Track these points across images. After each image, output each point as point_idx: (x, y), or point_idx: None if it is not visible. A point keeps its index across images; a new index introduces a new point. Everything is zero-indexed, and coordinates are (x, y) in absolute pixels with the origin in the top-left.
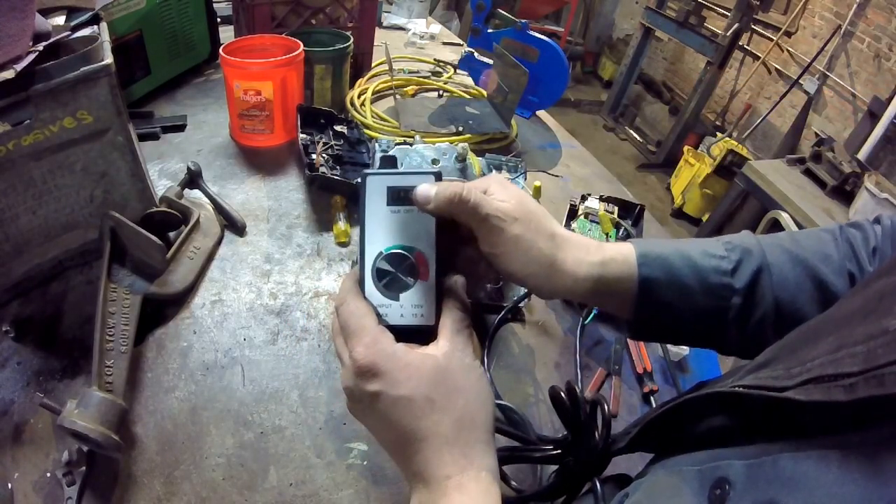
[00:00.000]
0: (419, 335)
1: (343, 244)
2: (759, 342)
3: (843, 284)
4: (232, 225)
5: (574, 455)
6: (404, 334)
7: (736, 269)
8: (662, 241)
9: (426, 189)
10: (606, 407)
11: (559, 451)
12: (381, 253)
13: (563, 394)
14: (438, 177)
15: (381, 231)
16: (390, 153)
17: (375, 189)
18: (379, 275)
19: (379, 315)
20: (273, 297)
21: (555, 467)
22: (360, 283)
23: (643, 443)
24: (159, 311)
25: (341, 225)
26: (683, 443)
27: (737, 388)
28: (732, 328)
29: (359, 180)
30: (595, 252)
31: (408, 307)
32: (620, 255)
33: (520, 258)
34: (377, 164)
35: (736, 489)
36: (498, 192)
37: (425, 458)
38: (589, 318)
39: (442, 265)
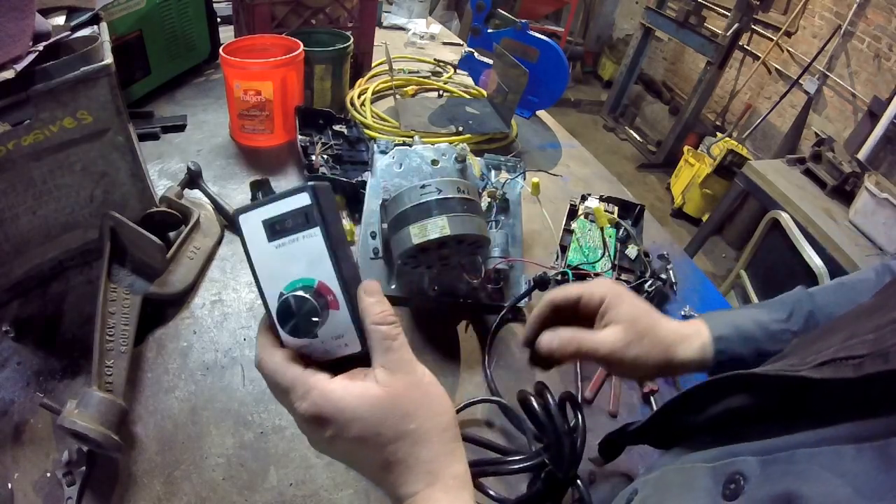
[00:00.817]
0: (356, 360)
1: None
2: None
3: None
4: (232, 225)
5: (552, 461)
6: (339, 364)
7: (790, 315)
8: (729, 311)
9: (548, 343)
10: (579, 409)
11: (536, 460)
12: (281, 295)
13: (532, 398)
14: (312, 191)
15: (273, 272)
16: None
17: (251, 228)
18: (286, 321)
19: (303, 356)
20: None
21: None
22: (273, 330)
23: (658, 428)
24: (159, 311)
25: (345, 224)
26: (699, 427)
27: (756, 371)
28: None
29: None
30: (694, 337)
31: (329, 341)
32: (702, 331)
33: (638, 372)
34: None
35: (751, 482)
36: (610, 312)
37: (392, 482)
38: None
39: (347, 284)
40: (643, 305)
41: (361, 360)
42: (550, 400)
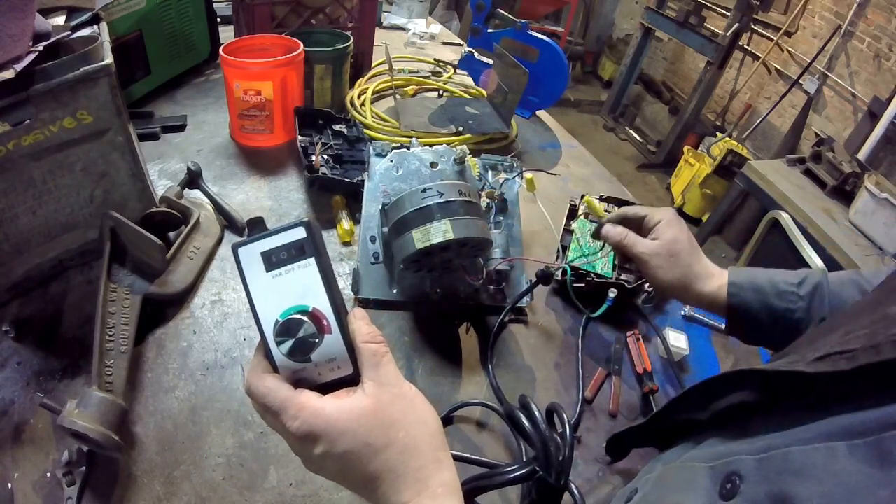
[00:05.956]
0: (344, 383)
1: (347, 244)
2: None
3: None
4: (232, 225)
5: (543, 468)
6: (330, 386)
7: (801, 283)
8: (753, 269)
9: (608, 228)
10: (565, 416)
11: (527, 469)
12: (277, 322)
13: (517, 410)
14: (307, 226)
15: (270, 300)
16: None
17: (250, 260)
18: (282, 345)
19: (298, 380)
20: None
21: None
22: (269, 357)
23: (663, 424)
24: (159, 311)
25: (345, 224)
26: (703, 423)
27: (755, 368)
28: (802, 327)
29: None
30: (716, 278)
31: (322, 364)
32: (723, 276)
33: (661, 282)
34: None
35: (747, 481)
36: (659, 231)
37: (383, 493)
38: (597, 313)
39: (339, 309)
40: (689, 239)
41: (350, 382)
42: (535, 410)
